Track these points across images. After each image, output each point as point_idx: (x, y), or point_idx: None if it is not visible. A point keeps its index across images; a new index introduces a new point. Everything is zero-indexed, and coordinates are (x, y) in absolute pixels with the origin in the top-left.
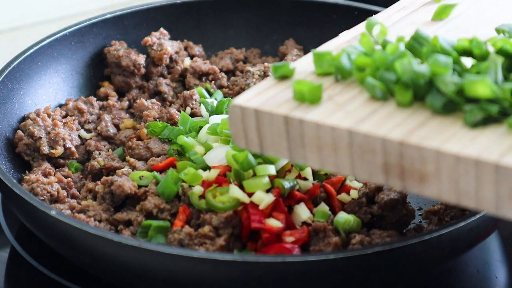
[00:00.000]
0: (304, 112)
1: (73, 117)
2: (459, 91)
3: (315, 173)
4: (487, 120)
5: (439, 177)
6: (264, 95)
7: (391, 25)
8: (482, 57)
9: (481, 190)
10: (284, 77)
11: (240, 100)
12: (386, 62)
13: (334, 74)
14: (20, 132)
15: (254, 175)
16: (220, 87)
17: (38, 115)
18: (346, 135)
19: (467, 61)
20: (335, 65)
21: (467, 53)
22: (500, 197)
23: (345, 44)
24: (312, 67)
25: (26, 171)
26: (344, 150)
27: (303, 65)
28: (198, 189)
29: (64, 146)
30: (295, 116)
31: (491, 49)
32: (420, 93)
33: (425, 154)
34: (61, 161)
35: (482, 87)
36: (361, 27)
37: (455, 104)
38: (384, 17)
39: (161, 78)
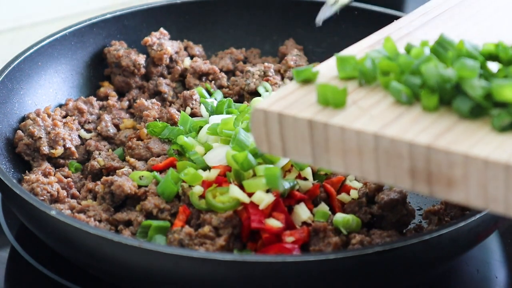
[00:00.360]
0: (328, 116)
1: (73, 117)
2: (486, 95)
3: (315, 173)
4: None
5: (467, 182)
6: (287, 99)
7: (414, 30)
8: (508, 62)
9: (511, 195)
10: (306, 81)
11: (263, 104)
12: (411, 66)
13: (357, 78)
14: (20, 132)
15: (254, 175)
16: (220, 87)
17: (38, 115)
18: (371, 140)
19: (493, 66)
20: (359, 69)
21: (493, 57)
22: None
23: (367, 48)
24: (334, 71)
25: (26, 171)
26: (370, 155)
27: (325, 69)
28: (198, 189)
29: (64, 146)
30: (320, 120)
31: None
32: (447, 97)
33: (453, 159)
34: (61, 161)
35: (511, 91)
36: (382, 32)
37: (482, 109)
38: (405, 22)
39: (161, 78)
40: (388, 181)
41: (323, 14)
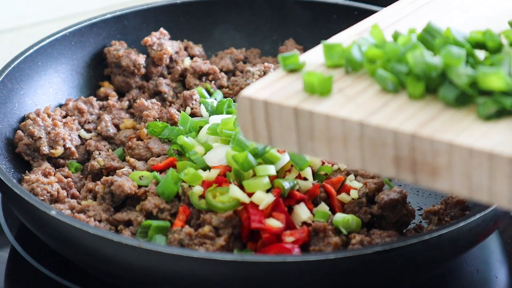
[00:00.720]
0: (314, 104)
1: (73, 117)
2: (472, 83)
3: (315, 173)
4: (501, 113)
5: (451, 170)
6: (273, 87)
7: (402, 18)
8: (495, 50)
9: (495, 184)
10: (293, 69)
11: (249, 91)
12: (397, 54)
13: (344, 66)
14: (20, 132)
15: (254, 175)
16: (220, 87)
17: (38, 115)
18: (357, 128)
19: (480, 54)
20: (345, 57)
21: (480, 45)
22: None
23: (355, 36)
24: (322, 59)
25: (26, 171)
26: (355, 143)
27: (312, 57)
28: (198, 189)
29: (64, 146)
30: (305, 108)
31: (505, 41)
32: (432, 85)
33: (438, 147)
34: (61, 161)
35: (496, 79)
36: (371, 20)
37: (468, 97)
38: (394, 10)
39: (161, 78)
40: (373, 169)
41: None
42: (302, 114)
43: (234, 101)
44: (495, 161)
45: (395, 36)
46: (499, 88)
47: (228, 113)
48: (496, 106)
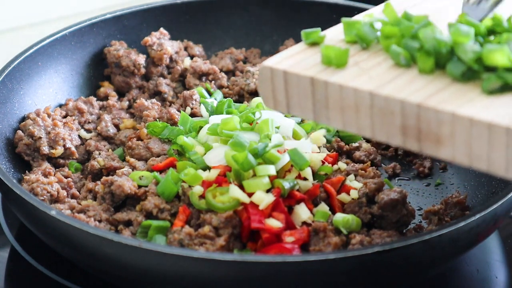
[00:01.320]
0: (329, 75)
1: (73, 117)
2: (478, 59)
3: (315, 173)
4: (504, 88)
5: (453, 139)
6: (293, 59)
7: (411, 7)
8: (503, 31)
9: (493, 153)
10: (313, 43)
11: (270, 62)
12: (411, 31)
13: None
14: (20, 132)
15: (254, 175)
16: (220, 87)
17: (38, 115)
18: (367, 97)
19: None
20: (356, 33)
21: (490, 31)
22: (510, 160)
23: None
24: (342, 36)
25: (26, 171)
26: (365, 112)
27: (333, 33)
28: (198, 189)
29: (64, 146)
30: (321, 78)
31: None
32: (442, 61)
33: (441, 117)
34: (61, 161)
35: (500, 56)
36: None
37: (474, 72)
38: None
39: (161, 78)
40: (382, 138)
41: (475, 14)
42: (318, 84)
43: (234, 101)
44: (493, 131)
45: (405, 16)
46: (502, 65)
47: (228, 113)
48: (499, 81)
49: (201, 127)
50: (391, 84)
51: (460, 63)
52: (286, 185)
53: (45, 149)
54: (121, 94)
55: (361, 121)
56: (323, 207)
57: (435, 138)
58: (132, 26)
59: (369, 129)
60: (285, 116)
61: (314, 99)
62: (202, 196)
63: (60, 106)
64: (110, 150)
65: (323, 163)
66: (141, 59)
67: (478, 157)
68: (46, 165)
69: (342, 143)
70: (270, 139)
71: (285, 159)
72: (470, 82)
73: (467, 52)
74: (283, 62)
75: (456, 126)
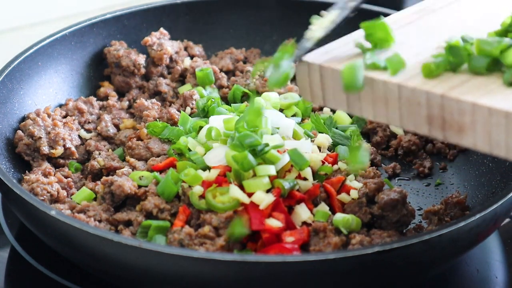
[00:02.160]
0: (365, 69)
1: (73, 117)
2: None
3: (315, 173)
4: None
5: (474, 128)
6: (329, 54)
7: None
8: None
9: (510, 140)
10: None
11: (308, 57)
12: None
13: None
14: (20, 132)
15: (254, 175)
16: (220, 87)
17: (38, 115)
18: (396, 89)
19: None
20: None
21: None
22: None
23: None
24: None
25: (26, 171)
26: (394, 103)
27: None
28: (198, 189)
29: (64, 146)
30: None
31: None
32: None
33: (463, 107)
34: (61, 161)
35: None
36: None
37: (498, 64)
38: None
39: (161, 78)
40: (410, 127)
41: (299, 51)
42: None
43: (234, 102)
44: (511, 119)
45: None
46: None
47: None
48: None
49: (201, 127)
50: (418, 77)
51: (482, 57)
52: (286, 185)
53: (45, 149)
54: (121, 94)
55: (390, 112)
56: (323, 207)
57: (457, 127)
58: (132, 26)
59: (398, 119)
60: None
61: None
62: (202, 196)
63: (60, 106)
64: (110, 150)
65: (323, 163)
66: (141, 59)
67: (497, 144)
68: (46, 165)
69: None
70: (268, 136)
71: (285, 159)
72: (491, 76)
73: (492, 43)
74: (319, 57)
75: (477, 115)
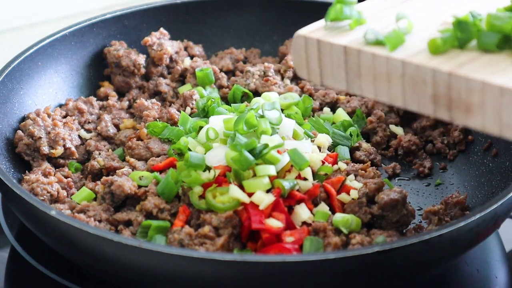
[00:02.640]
0: (362, 44)
1: (73, 117)
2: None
3: (315, 173)
4: None
5: (483, 108)
6: (327, 28)
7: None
8: None
9: None
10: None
11: (304, 31)
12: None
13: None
14: (20, 132)
15: (254, 175)
16: (220, 87)
17: (38, 115)
18: (399, 66)
19: None
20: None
21: None
22: None
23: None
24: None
25: (26, 171)
26: (397, 81)
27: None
28: (198, 189)
29: (64, 146)
30: (354, 47)
31: None
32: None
33: (472, 85)
34: (61, 161)
35: None
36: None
37: (509, 41)
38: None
39: (161, 78)
40: (413, 107)
41: None
42: (350, 52)
43: (234, 102)
44: None
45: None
46: None
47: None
48: None
49: (201, 127)
50: (423, 53)
51: (493, 33)
52: (286, 185)
53: (45, 149)
54: (121, 94)
55: (393, 90)
56: (323, 207)
57: (465, 107)
58: (132, 26)
59: (400, 98)
60: (287, 116)
61: (347, 68)
62: (202, 196)
63: (60, 106)
64: (110, 150)
65: (323, 163)
66: (141, 59)
67: (508, 126)
68: (46, 165)
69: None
70: (268, 136)
71: (285, 159)
72: (501, 53)
73: (503, 18)
74: (316, 31)
75: (486, 95)
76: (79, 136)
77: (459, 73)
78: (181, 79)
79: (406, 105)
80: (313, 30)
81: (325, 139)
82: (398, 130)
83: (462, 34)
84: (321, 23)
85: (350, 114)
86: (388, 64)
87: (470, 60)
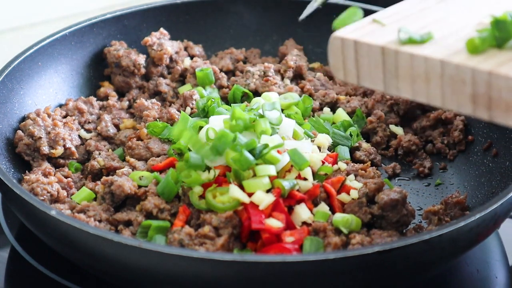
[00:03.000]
0: (399, 44)
1: (73, 117)
2: None
3: (315, 173)
4: None
5: None
6: (363, 29)
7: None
8: None
9: None
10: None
11: (341, 32)
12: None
13: None
14: (20, 132)
15: (254, 175)
16: (220, 87)
17: (38, 115)
18: (438, 66)
19: None
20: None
21: None
22: None
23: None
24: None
25: (26, 171)
26: (436, 81)
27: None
28: (198, 189)
29: (64, 146)
30: (391, 47)
31: None
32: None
33: None
34: (61, 161)
35: None
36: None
37: None
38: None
39: (161, 78)
40: (452, 107)
41: (306, 11)
42: (388, 53)
43: (234, 102)
44: None
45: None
46: None
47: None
48: None
49: (201, 127)
50: (462, 53)
51: None
52: (286, 185)
53: (45, 149)
54: (121, 94)
55: (431, 90)
56: (323, 207)
57: (505, 106)
58: (132, 26)
59: (439, 98)
60: (287, 117)
61: (384, 69)
62: (202, 196)
63: (60, 106)
64: (110, 150)
65: (323, 163)
66: (141, 59)
67: None
68: (46, 165)
69: None
70: (268, 136)
71: (285, 159)
72: None
73: None
74: (353, 32)
75: None
76: (79, 136)
77: (499, 72)
78: (181, 79)
79: (444, 105)
80: (351, 31)
81: (325, 139)
82: (398, 130)
83: (501, 33)
84: (358, 24)
85: (350, 114)
86: (427, 64)
87: (510, 59)
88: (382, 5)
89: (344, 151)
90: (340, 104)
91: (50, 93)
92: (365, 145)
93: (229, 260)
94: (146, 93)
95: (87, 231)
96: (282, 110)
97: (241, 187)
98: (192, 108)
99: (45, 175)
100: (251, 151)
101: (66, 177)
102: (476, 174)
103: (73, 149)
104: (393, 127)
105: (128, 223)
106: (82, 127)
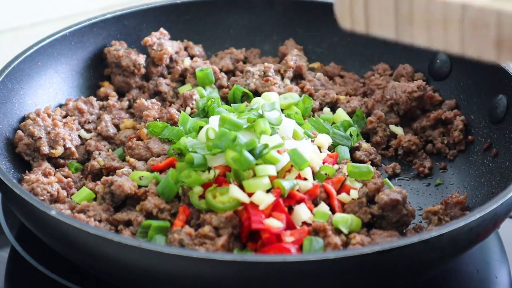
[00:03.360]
0: None
1: (73, 117)
2: None
3: (315, 173)
4: None
5: None
6: None
7: None
8: None
9: None
10: None
11: None
12: None
13: None
14: (20, 132)
15: (254, 175)
16: (220, 87)
17: (38, 115)
18: (458, 10)
19: None
20: None
21: None
22: None
23: None
24: None
25: (26, 171)
26: (455, 26)
27: None
28: (198, 189)
29: (64, 146)
30: None
31: None
32: None
33: None
34: (61, 161)
35: None
36: None
37: None
38: None
39: (161, 78)
40: (473, 53)
41: None
42: None
43: (234, 102)
44: None
45: None
46: None
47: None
48: None
49: (201, 127)
50: None
51: None
52: (286, 185)
53: (45, 149)
54: (121, 94)
55: (449, 36)
56: (323, 207)
57: None
58: (132, 26)
59: (458, 44)
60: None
61: (397, 14)
62: (202, 196)
63: (60, 106)
64: (110, 150)
65: (323, 163)
66: (141, 59)
67: None
68: (46, 165)
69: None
70: (268, 136)
71: (285, 159)
72: None
73: None
74: None
75: None
76: (79, 136)
77: None
78: (181, 79)
79: (464, 51)
80: None
81: (325, 139)
82: (398, 130)
83: None
84: None
85: (350, 114)
86: (445, 9)
87: None
88: None
89: (344, 151)
90: (340, 104)
91: (50, 93)
92: (365, 145)
93: (229, 260)
94: (146, 93)
95: (87, 231)
96: (282, 110)
97: (241, 187)
98: (192, 108)
99: (45, 175)
100: (251, 151)
101: (66, 177)
102: (476, 174)
103: (73, 149)
104: (393, 127)
105: (128, 223)
106: (82, 127)
